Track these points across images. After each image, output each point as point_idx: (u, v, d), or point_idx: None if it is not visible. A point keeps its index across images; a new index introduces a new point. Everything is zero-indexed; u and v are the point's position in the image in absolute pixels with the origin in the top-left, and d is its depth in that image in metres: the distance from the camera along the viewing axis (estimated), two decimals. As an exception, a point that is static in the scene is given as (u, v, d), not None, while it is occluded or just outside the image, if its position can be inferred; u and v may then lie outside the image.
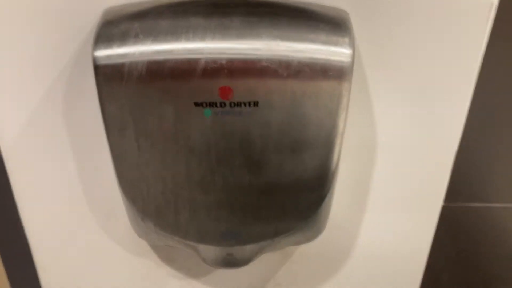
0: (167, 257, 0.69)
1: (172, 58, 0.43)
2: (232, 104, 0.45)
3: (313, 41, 0.44)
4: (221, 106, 0.45)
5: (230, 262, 0.57)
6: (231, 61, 0.43)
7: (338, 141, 0.49)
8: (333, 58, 0.44)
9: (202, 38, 0.43)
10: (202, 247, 0.56)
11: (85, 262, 0.70)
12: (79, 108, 0.54)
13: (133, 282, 0.72)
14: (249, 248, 0.56)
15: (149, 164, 0.49)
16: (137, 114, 0.46)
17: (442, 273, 0.76)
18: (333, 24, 0.46)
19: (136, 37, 0.43)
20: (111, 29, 0.45)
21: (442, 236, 0.69)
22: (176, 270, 0.71)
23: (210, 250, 0.56)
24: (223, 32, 0.44)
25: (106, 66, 0.44)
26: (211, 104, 0.45)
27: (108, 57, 0.43)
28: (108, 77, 0.44)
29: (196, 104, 0.45)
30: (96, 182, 0.60)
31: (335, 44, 0.45)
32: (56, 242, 0.67)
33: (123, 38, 0.43)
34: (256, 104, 0.45)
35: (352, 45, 0.45)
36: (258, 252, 0.57)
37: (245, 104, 0.45)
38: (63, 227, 0.65)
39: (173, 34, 0.43)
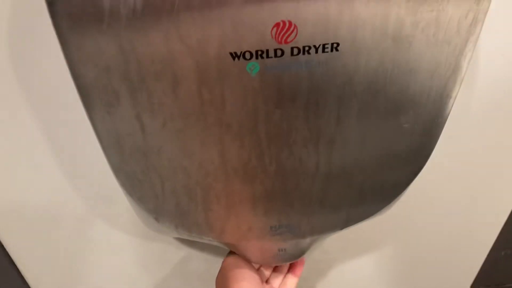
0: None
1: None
2: (295, 50, 0.26)
3: None
4: (276, 55, 0.26)
5: (282, 258, 0.42)
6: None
7: (454, 93, 0.31)
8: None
9: None
10: (244, 244, 0.40)
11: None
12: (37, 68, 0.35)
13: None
14: (308, 240, 0.41)
15: (162, 151, 0.31)
16: (134, 77, 0.27)
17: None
18: None
19: None
20: None
21: None
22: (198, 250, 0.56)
23: (255, 248, 0.41)
24: None
25: (69, 1, 0.24)
26: (260, 54, 0.26)
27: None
28: (75, 21, 0.25)
29: (234, 56, 0.26)
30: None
31: None
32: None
33: None
34: (335, 47, 0.27)
35: None
36: (317, 241, 0.42)
37: (316, 49, 0.27)
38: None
39: None
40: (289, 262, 0.45)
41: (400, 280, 0.68)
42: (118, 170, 0.32)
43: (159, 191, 0.34)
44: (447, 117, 0.33)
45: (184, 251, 0.56)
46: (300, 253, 0.43)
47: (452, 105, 0.32)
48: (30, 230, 0.51)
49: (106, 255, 0.55)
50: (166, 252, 0.56)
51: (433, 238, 0.62)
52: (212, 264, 0.58)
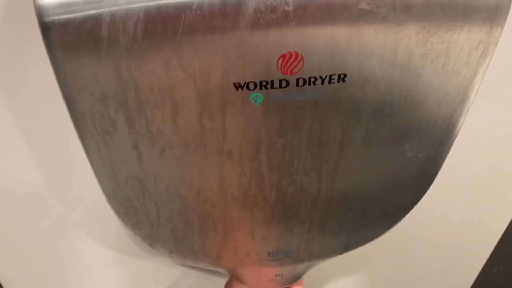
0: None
1: (190, 2, 0.22)
2: (301, 81, 0.25)
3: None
4: (281, 85, 0.25)
5: (279, 283, 0.41)
6: (301, 3, 0.23)
7: (461, 123, 0.30)
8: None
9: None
10: (240, 270, 0.39)
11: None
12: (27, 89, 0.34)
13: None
14: (306, 265, 0.40)
15: (158, 179, 0.30)
16: (132, 106, 0.26)
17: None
18: None
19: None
20: None
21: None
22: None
23: (251, 273, 0.40)
24: None
25: (65, 24, 0.23)
26: (264, 84, 0.25)
27: (67, 5, 0.22)
28: (70, 42, 0.23)
29: (238, 86, 0.25)
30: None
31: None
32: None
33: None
34: (342, 78, 0.26)
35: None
36: (314, 265, 0.41)
37: (323, 80, 0.26)
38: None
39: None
40: (286, 286, 0.44)
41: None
42: (112, 197, 0.31)
43: (154, 218, 0.33)
44: (451, 146, 0.32)
45: (175, 268, 0.55)
46: (297, 277, 0.42)
47: (457, 135, 0.31)
48: (16, 246, 0.50)
49: (95, 272, 0.54)
50: (157, 270, 0.54)
51: (427, 253, 0.62)
52: (203, 281, 0.57)
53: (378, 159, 0.31)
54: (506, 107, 0.46)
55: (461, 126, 0.31)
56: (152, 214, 0.32)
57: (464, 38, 0.25)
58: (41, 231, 0.48)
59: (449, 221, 0.58)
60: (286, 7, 0.23)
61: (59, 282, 0.54)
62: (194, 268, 0.55)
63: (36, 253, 0.50)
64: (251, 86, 0.25)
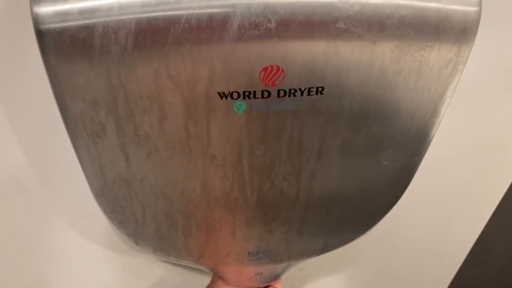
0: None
1: (179, 15, 0.24)
2: (282, 93, 0.27)
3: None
4: (263, 96, 0.27)
5: (258, 281, 0.43)
6: (283, 21, 0.24)
7: (433, 134, 0.32)
8: (452, 8, 0.26)
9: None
10: (221, 268, 0.41)
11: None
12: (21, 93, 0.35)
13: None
14: (284, 264, 0.42)
15: (145, 180, 0.31)
16: (122, 111, 0.27)
17: (495, 243, 0.65)
18: None
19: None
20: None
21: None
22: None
23: (232, 271, 0.41)
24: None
25: (60, 32, 0.24)
26: (247, 94, 0.27)
27: (63, 14, 0.24)
28: (64, 50, 0.25)
29: (222, 95, 0.27)
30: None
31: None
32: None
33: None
34: (320, 90, 0.27)
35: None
36: (293, 265, 0.43)
37: (302, 92, 0.27)
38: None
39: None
40: (266, 285, 0.46)
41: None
42: (100, 195, 0.33)
43: (140, 216, 0.34)
44: (423, 156, 0.34)
45: (160, 265, 0.56)
46: (277, 276, 0.44)
47: (429, 145, 0.33)
48: (2, 242, 0.50)
49: (81, 268, 0.55)
50: (142, 266, 0.56)
51: (404, 256, 0.64)
52: (187, 278, 0.58)
53: (354, 167, 0.33)
54: (476, 118, 0.48)
55: (433, 137, 0.33)
56: (138, 213, 0.34)
57: (435, 57, 0.27)
58: (27, 227, 0.49)
59: (425, 225, 0.60)
60: (268, 24, 0.24)
61: (45, 278, 0.55)
62: (178, 265, 0.57)
63: (22, 249, 0.51)
64: (235, 95, 0.27)
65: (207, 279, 0.52)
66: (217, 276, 0.44)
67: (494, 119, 0.49)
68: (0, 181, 0.44)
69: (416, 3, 0.25)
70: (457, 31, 0.27)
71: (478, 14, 0.27)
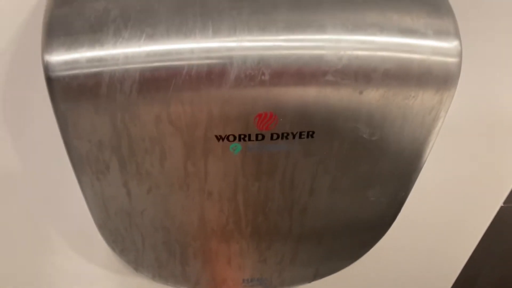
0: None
1: (180, 66, 0.26)
2: (275, 136, 0.29)
3: (402, 30, 0.28)
4: (257, 139, 0.29)
5: (252, 306, 0.45)
6: (276, 73, 0.26)
7: (417, 174, 0.34)
8: (434, 60, 0.28)
9: (230, 32, 0.26)
10: (217, 294, 0.43)
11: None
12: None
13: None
14: (277, 291, 0.43)
15: (145, 213, 0.33)
16: (125, 151, 0.29)
17: (483, 267, 0.66)
18: (425, 4, 0.29)
19: (118, 28, 0.26)
20: (72, 11, 0.26)
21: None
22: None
23: (227, 297, 0.43)
24: (263, 21, 0.26)
25: (69, 79, 0.26)
26: (243, 137, 0.29)
27: (72, 63, 0.26)
28: (72, 96, 0.26)
29: (219, 138, 0.29)
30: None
31: (436, 34, 0.28)
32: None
33: (95, 29, 0.25)
34: (311, 134, 0.29)
35: (458, 33, 0.29)
36: (287, 291, 0.44)
37: (294, 136, 0.29)
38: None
39: (181, 25, 0.26)
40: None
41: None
42: (102, 226, 0.34)
43: (140, 246, 0.36)
44: (410, 192, 0.36)
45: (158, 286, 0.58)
46: (270, 301, 0.45)
47: (415, 182, 0.35)
48: (4, 261, 0.52)
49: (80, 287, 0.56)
50: (141, 287, 0.57)
51: (394, 283, 0.65)
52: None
53: (343, 203, 0.35)
54: (460, 156, 0.50)
55: (418, 175, 0.34)
56: (138, 243, 0.35)
57: (418, 104, 0.29)
58: (30, 247, 0.51)
59: (414, 252, 0.61)
60: (263, 77, 0.26)
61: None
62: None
63: (24, 268, 0.53)
64: (231, 138, 0.29)
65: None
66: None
67: (481, 154, 0.50)
68: (5, 201, 0.46)
69: (400, 55, 0.27)
70: (439, 82, 0.28)
71: (459, 65, 0.29)
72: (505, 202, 0.55)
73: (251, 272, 0.40)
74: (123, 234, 0.35)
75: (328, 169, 0.32)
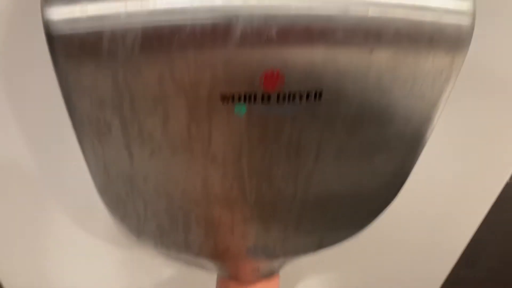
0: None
1: (184, 23, 0.25)
2: (281, 97, 0.28)
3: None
4: (263, 100, 0.28)
5: (255, 276, 0.44)
6: (284, 30, 0.25)
7: (426, 139, 0.34)
8: (446, 20, 0.27)
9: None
10: (219, 262, 0.42)
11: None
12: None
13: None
14: (281, 261, 0.43)
15: (148, 178, 0.33)
16: (127, 112, 0.28)
17: (486, 245, 0.66)
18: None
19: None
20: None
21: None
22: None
23: (230, 265, 0.43)
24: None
25: (70, 36, 0.25)
26: (248, 97, 0.28)
27: (73, 19, 0.25)
28: (74, 53, 0.26)
29: (223, 98, 0.28)
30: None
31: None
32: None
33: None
34: (319, 95, 0.28)
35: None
36: (290, 261, 0.44)
37: (301, 97, 0.28)
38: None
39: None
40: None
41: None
42: (103, 191, 0.34)
43: (141, 212, 0.35)
44: (417, 159, 0.35)
45: (160, 259, 0.57)
46: (273, 271, 0.45)
47: (423, 149, 0.34)
48: (1, 232, 0.52)
49: (80, 259, 0.56)
50: (142, 260, 0.57)
51: (398, 256, 0.65)
52: (186, 274, 0.59)
53: (349, 169, 0.34)
54: (470, 122, 0.49)
55: (426, 142, 0.34)
56: (140, 209, 0.35)
57: (429, 66, 0.28)
58: (28, 218, 0.51)
59: (417, 227, 0.61)
60: (270, 31, 0.25)
61: (44, 268, 0.56)
62: (178, 259, 0.58)
63: (23, 239, 0.53)
64: (236, 98, 0.28)
65: (205, 274, 0.53)
66: (218, 272, 0.45)
67: (487, 123, 0.50)
68: (3, 172, 0.45)
69: (411, 17, 0.26)
70: (451, 42, 0.28)
71: (471, 26, 0.28)
72: (511, 179, 0.55)
73: (254, 241, 0.39)
74: (124, 199, 0.34)
75: (335, 133, 0.31)
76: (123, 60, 0.26)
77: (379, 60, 0.27)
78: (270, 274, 0.45)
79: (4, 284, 0.56)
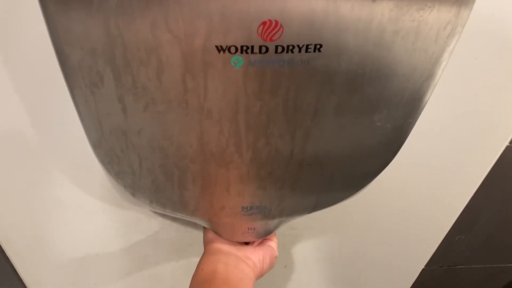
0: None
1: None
2: (280, 49, 0.27)
3: None
4: (260, 51, 0.27)
5: (251, 236, 0.44)
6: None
7: (428, 97, 0.33)
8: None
9: None
10: (215, 222, 0.42)
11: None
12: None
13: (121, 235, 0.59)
14: (277, 221, 0.43)
15: (142, 132, 0.32)
16: (120, 61, 0.27)
17: (484, 209, 0.66)
18: None
19: None
20: None
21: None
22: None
23: (225, 225, 0.43)
24: None
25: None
26: (245, 49, 0.27)
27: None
28: (64, 3, 0.25)
29: (220, 49, 0.27)
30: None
31: None
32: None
33: None
34: (318, 48, 0.27)
35: None
36: (285, 222, 0.44)
37: (300, 49, 0.27)
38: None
39: None
40: (259, 239, 0.47)
41: (359, 259, 0.72)
42: (97, 146, 0.33)
43: (136, 168, 0.35)
44: (417, 119, 0.34)
45: (156, 220, 0.57)
46: (269, 232, 0.45)
47: (423, 108, 0.33)
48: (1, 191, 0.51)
49: (78, 219, 0.56)
50: (138, 220, 0.57)
51: (394, 220, 0.65)
52: (182, 233, 0.60)
53: (348, 127, 0.33)
54: (469, 86, 0.48)
55: (427, 100, 0.33)
56: (135, 165, 0.34)
57: (434, 18, 0.27)
58: (27, 177, 0.50)
59: (414, 191, 0.61)
60: (268, -22, 0.24)
61: (43, 228, 0.56)
62: (174, 219, 0.58)
63: (21, 198, 0.52)
64: (233, 49, 0.27)
65: (201, 234, 0.53)
66: (211, 230, 0.45)
67: (487, 89, 0.49)
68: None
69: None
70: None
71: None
72: (511, 142, 0.54)
73: (250, 200, 0.39)
74: (119, 155, 0.33)
75: (334, 88, 0.30)
76: (115, 6, 0.25)
77: (382, 10, 0.26)
78: (266, 235, 0.45)
79: (2, 242, 0.56)
